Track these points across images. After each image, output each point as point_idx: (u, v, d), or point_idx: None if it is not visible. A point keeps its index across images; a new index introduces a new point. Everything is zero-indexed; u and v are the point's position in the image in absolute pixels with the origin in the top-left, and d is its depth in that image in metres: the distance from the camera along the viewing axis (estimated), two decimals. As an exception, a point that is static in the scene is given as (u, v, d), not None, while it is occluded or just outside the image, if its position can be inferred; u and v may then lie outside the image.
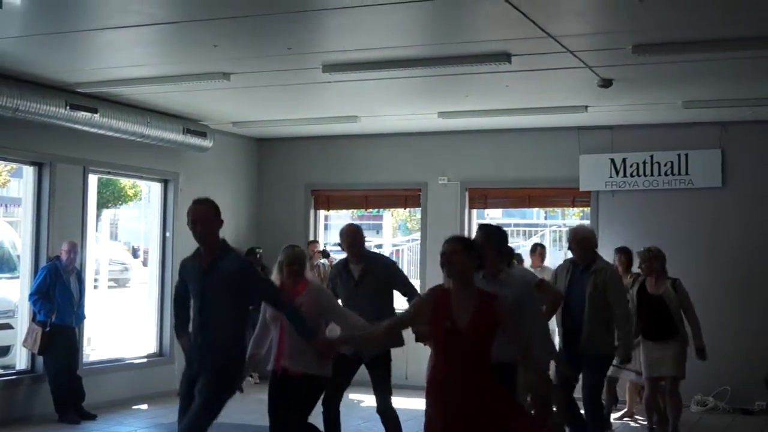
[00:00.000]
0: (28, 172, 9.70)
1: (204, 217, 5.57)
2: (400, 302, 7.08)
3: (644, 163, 10.89)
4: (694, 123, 10.57)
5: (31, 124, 9.00)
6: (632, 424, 9.47)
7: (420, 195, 12.05)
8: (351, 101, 9.88)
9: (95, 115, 9.33)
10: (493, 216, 16.90)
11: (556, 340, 7.25)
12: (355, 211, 19.91)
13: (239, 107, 10.43)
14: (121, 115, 9.72)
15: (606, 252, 9.66)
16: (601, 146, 11.07)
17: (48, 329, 9.04)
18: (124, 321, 14.22)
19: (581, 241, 7.24)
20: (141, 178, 11.69)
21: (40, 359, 9.35)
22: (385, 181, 12.23)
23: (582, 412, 7.29)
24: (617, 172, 10.99)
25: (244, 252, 11.57)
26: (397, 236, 25.21)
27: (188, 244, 5.92)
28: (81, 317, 9.54)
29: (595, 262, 7.19)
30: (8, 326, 10.32)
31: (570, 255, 7.52)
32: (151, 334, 11.24)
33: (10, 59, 7.98)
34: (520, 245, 16.87)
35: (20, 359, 9.67)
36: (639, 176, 10.92)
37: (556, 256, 15.38)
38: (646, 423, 8.94)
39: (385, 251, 20.89)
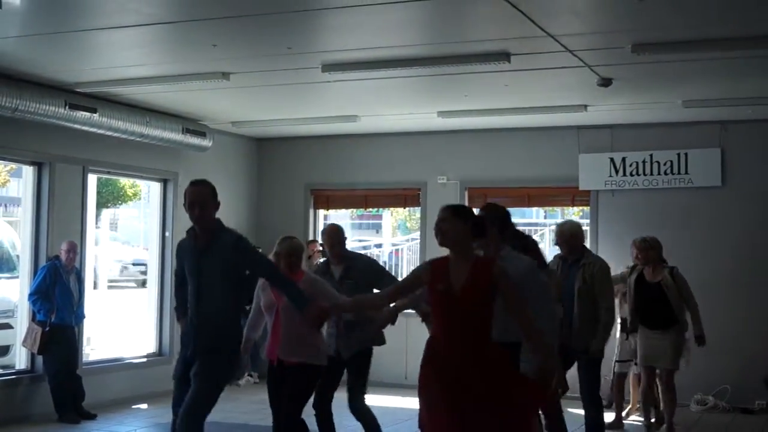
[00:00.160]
0: (28, 171, 9.69)
1: (202, 198, 5.56)
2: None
3: (644, 162, 10.89)
4: (694, 122, 10.57)
5: (30, 123, 9.00)
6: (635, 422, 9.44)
7: (419, 194, 12.04)
8: (350, 101, 9.88)
9: (95, 114, 9.33)
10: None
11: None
12: (354, 210, 19.93)
13: (238, 107, 10.43)
14: (121, 115, 9.72)
15: (606, 251, 9.69)
16: (601, 145, 11.07)
17: (47, 329, 9.04)
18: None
19: (569, 238, 7.19)
20: (140, 177, 11.69)
21: (39, 359, 9.34)
22: (385, 180, 12.22)
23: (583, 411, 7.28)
24: (617, 172, 10.99)
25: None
26: (396, 236, 25.20)
27: (190, 220, 5.84)
28: (80, 317, 9.54)
29: (584, 256, 7.16)
30: (8, 326, 10.31)
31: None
32: (150, 333, 11.24)
33: (10, 59, 7.98)
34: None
35: (20, 359, 9.66)
36: (638, 175, 10.92)
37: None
38: (642, 420, 8.88)
39: (385, 251, 20.89)
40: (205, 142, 11.18)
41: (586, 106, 9.81)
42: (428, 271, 4.83)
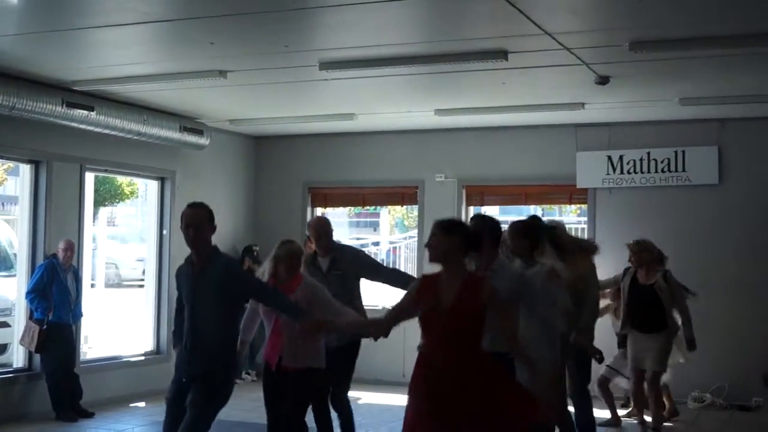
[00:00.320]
0: (25, 170, 9.68)
1: (197, 222, 5.54)
2: (386, 297, 6.98)
3: (641, 160, 10.89)
4: (691, 120, 10.58)
5: (27, 122, 8.99)
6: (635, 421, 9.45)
7: (417, 192, 12.04)
8: (348, 99, 9.87)
9: (92, 113, 9.31)
10: (490, 213, 16.88)
11: None
12: (352, 208, 19.93)
13: (236, 105, 10.42)
14: (118, 113, 9.71)
15: (603, 249, 9.67)
16: (598, 143, 11.07)
17: (45, 327, 9.04)
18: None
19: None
20: (138, 175, 11.69)
21: (37, 357, 9.34)
22: (382, 178, 12.22)
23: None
24: (614, 169, 10.99)
25: (240, 252, 11.60)
26: (394, 233, 25.23)
27: (185, 242, 5.90)
28: (78, 315, 9.55)
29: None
30: (5, 324, 10.29)
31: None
32: (148, 331, 11.23)
33: (7, 57, 7.97)
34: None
35: (17, 357, 9.65)
36: (636, 173, 10.92)
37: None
38: (636, 420, 8.93)
39: (383, 249, 20.90)
40: (203, 141, 11.17)
41: (583, 104, 9.81)
42: (418, 288, 4.89)
